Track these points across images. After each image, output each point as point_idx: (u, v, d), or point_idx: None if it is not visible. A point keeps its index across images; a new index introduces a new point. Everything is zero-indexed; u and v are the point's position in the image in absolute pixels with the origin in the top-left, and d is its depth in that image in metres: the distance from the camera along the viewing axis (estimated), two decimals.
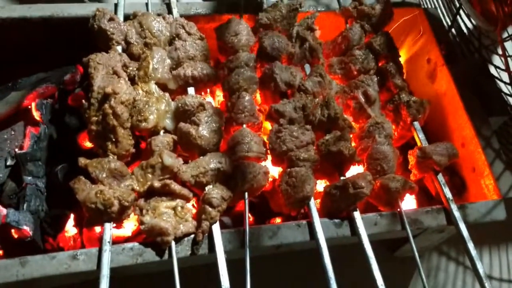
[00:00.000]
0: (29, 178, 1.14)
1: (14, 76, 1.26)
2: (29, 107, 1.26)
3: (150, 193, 1.00)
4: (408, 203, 1.28)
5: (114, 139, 1.01)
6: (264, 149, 1.11)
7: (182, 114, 1.08)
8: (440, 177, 1.14)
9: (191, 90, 1.14)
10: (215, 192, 1.00)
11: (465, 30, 1.49)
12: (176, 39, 1.19)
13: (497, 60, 1.42)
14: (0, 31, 1.22)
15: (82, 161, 1.00)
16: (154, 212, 0.97)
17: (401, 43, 1.50)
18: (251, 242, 0.99)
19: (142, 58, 1.13)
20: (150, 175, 1.00)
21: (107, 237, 0.93)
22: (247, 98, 1.14)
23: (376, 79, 1.26)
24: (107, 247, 0.92)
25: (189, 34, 1.21)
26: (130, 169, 1.03)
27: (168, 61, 1.15)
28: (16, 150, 1.20)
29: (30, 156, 1.16)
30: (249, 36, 1.25)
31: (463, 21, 1.48)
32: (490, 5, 1.23)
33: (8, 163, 1.22)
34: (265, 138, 1.15)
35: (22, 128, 1.26)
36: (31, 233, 1.05)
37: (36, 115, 1.25)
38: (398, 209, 1.09)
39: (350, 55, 1.28)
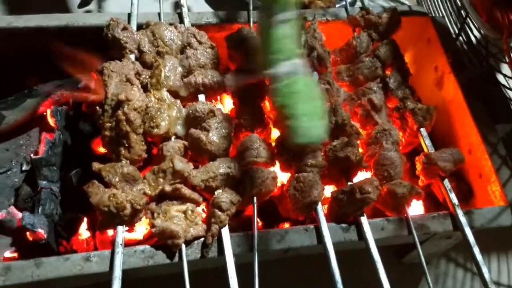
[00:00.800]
0: (44, 182, 1.17)
1: (30, 84, 1.29)
2: (44, 113, 1.29)
3: (161, 197, 1.02)
4: (416, 209, 1.30)
5: (127, 145, 1.04)
6: (273, 155, 1.13)
7: (193, 121, 1.11)
8: (446, 182, 1.16)
9: (201, 97, 1.17)
10: (224, 196, 1.02)
11: (472, 39, 1.51)
12: (188, 47, 1.22)
13: (505, 68, 1.43)
14: (16, 40, 1.26)
15: (96, 165, 1.02)
16: (165, 215, 0.99)
17: (409, 51, 1.52)
18: (259, 246, 1.01)
19: (154, 66, 1.16)
20: (161, 180, 1.03)
21: (119, 240, 0.96)
22: (256, 105, 1.16)
23: (381, 86, 1.27)
24: (119, 249, 0.95)
25: (200, 43, 1.24)
26: (142, 174, 1.06)
27: (180, 69, 1.18)
28: (32, 155, 1.23)
29: (45, 161, 1.19)
30: None
31: (470, 29, 1.50)
32: (496, 14, 1.25)
33: (24, 168, 1.25)
34: (273, 144, 1.17)
35: (38, 134, 1.29)
36: (45, 235, 1.08)
37: (51, 121, 1.28)
38: (405, 215, 1.11)
39: (358, 63, 1.30)
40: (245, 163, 1.09)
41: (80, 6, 1.77)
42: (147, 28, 1.23)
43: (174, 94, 1.15)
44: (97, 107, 1.08)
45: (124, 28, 1.20)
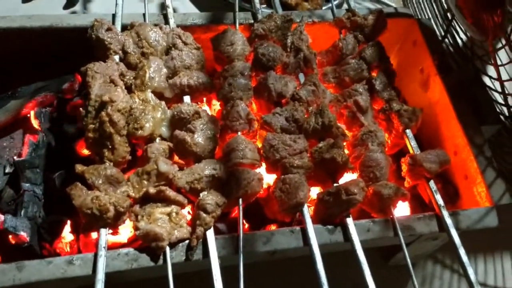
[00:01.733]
0: (27, 185, 1.16)
1: (13, 85, 1.28)
2: (28, 115, 1.28)
3: (145, 199, 1.01)
4: (402, 210, 1.30)
5: (110, 146, 1.03)
6: (259, 156, 1.12)
7: (178, 122, 1.10)
8: (432, 184, 1.16)
9: (186, 99, 1.16)
10: (209, 198, 1.01)
11: (458, 41, 1.51)
12: (173, 48, 1.21)
13: (490, 70, 1.43)
14: (0, 41, 1.25)
15: (79, 167, 1.01)
16: (149, 218, 0.98)
17: (395, 53, 1.53)
18: (245, 248, 1.00)
19: (139, 67, 1.16)
20: (145, 182, 1.02)
21: (102, 242, 0.95)
22: (241, 106, 1.16)
23: (367, 88, 1.28)
24: (102, 252, 0.94)
25: (185, 44, 1.23)
26: (126, 176, 1.05)
27: (165, 70, 1.17)
28: (15, 157, 1.21)
29: (28, 164, 1.18)
30: (244, 46, 1.27)
31: (456, 31, 1.50)
32: (481, 16, 1.26)
33: (7, 170, 1.23)
34: (260, 145, 1.16)
35: (21, 136, 1.28)
36: (28, 238, 1.07)
37: (35, 123, 1.27)
38: (391, 216, 1.11)
39: (344, 65, 1.30)
40: (231, 165, 1.09)
41: (66, 7, 1.76)
42: (132, 29, 1.22)
43: (159, 95, 1.14)
44: (81, 108, 1.07)
45: (108, 29, 1.19)
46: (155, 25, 1.25)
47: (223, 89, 1.20)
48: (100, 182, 0.99)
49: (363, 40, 1.35)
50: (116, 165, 1.04)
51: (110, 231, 0.99)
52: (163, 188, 1.00)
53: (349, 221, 1.07)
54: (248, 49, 1.27)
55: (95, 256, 0.94)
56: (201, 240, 1.00)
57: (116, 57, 1.18)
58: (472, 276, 1.04)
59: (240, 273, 0.95)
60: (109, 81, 1.09)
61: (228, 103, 1.18)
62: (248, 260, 1.11)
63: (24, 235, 1.07)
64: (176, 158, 1.11)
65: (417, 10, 1.67)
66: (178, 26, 1.29)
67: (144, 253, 0.97)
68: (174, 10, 1.33)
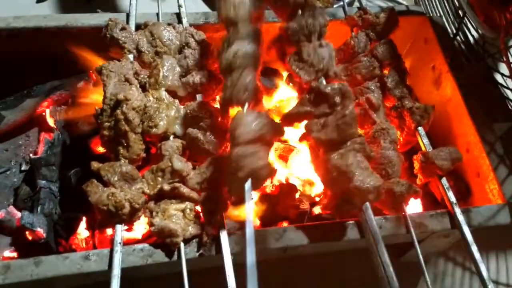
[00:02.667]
0: (43, 182, 1.18)
1: (28, 84, 1.30)
2: (44, 113, 1.30)
3: (160, 196, 1.02)
4: (414, 207, 1.30)
5: (125, 144, 1.04)
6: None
7: (191, 120, 1.11)
8: (444, 181, 1.16)
9: (199, 97, 1.18)
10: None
11: (470, 38, 1.51)
12: (186, 47, 1.22)
13: (502, 67, 1.43)
14: (16, 41, 1.27)
15: (95, 165, 1.03)
16: (164, 214, 1.00)
17: (407, 51, 1.53)
18: (257, 244, 1.01)
19: (152, 66, 1.17)
20: (160, 179, 1.03)
21: (118, 238, 0.96)
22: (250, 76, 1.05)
23: (379, 85, 1.28)
24: (118, 248, 0.95)
25: (198, 43, 1.24)
26: (141, 173, 1.06)
27: (178, 69, 1.19)
28: (31, 155, 1.23)
29: (44, 161, 1.20)
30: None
31: (467, 29, 1.50)
32: (493, 13, 1.26)
33: (23, 168, 1.26)
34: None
35: (37, 134, 1.30)
36: (44, 235, 1.09)
37: (50, 121, 1.29)
38: (403, 213, 1.11)
39: (355, 62, 1.31)
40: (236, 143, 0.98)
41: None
42: (146, 28, 1.23)
43: (173, 93, 1.15)
44: (96, 107, 1.08)
45: (123, 28, 1.20)
46: (169, 24, 1.26)
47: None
48: (116, 179, 1.01)
49: (375, 38, 1.35)
50: (131, 162, 1.05)
51: (126, 227, 1.00)
52: (177, 185, 1.01)
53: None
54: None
55: (111, 252, 0.95)
56: (214, 236, 1.01)
57: (131, 56, 1.19)
58: (485, 273, 1.04)
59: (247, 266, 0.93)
60: (124, 80, 1.10)
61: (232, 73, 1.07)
62: (261, 257, 1.12)
63: (40, 231, 1.09)
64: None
65: (428, 8, 1.67)
66: (191, 25, 1.30)
67: (159, 248, 0.98)
68: (187, 9, 1.34)
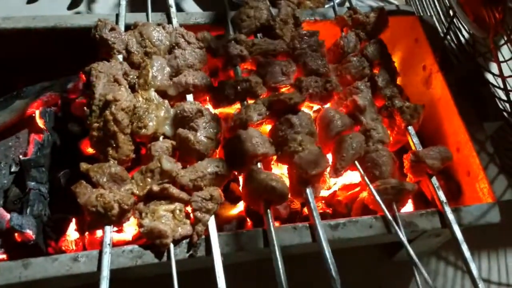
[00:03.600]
0: (33, 183, 1.17)
1: (18, 85, 1.29)
2: (33, 115, 1.29)
3: (149, 197, 1.02)
4: (405, 206, 1.30)
5: (114, 145, 1.04)
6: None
7: (181, 120, 1.11)
8: (434, 180, 1.16)
9: (189, 97, 1.17)
10: (200, 195, 1.03)
11: (460, 38, 1.52)
12: (176, 47, 1.22)
13: (493, 66, 1.44)
14: (5, 41, 1.26)
15: (84, 166, 1.02)
16: (153, 215, 0.99)
17: (397, 50, 1.53)
18: (248, 245, 1.01)
19: (142, 66, 1.17)
20: (149, 179, 1.03)
21: (107, 240, 0.96)
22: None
23: (369, 85, 1.28)
24: (107, 249, 0.95)
25: (188, 43, 1.24)
26: (131, 174, 1.06)
27: (168, 69, 1.18)
28: (20, 156, 1.22)
29: (33, 163, 1.19)
30: None
31: (458, 28, 1.50)
32: (483, 13, 1.26)
33: (13, 169, 1.25)
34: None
35: (26, 135, 1.29)
36: (34, 236, 1.08)
37: (40, 122, 1.28)
38: (393, 213, 1.11)
39: (345, 62, 1.31)
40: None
41: (70, 8, 1.77)
42: (135, 29, 1.23)
43: (162, 94, 1.15)
44: (85, 108, 1.08)
45: (112, 29, 1.20)
46: (158, 24, 1.26)
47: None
48: (105, 180, 1.01)
49: (365, 37, 1.36)
50: (120, 163, 1.05)
51: (115, 228, 1.00)
52: (167, 185, 1.01)
53: None
54: None
55: (100, 253, 0.95)
56: (203, 237, 1.01)
57: (120, 57, 1.19)
58: (475, 272, 1.04)
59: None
60: (113, 80, 1.10)
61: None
62: (252, 257, 1.12)
63: (30, 233, 1.08)
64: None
65: (419, 8, 1.67)
66: (181, 25, 1.30)
67: (149, 250, 0.98)
68: (177, 10, 1.34)
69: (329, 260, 0.98)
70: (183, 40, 1.24)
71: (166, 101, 1.14)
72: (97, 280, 0.92)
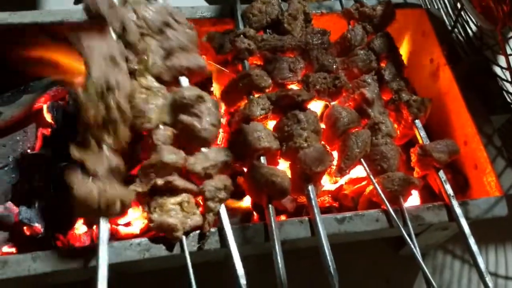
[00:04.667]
0: (41, 177, 1.17)
1: (25, 80, 1.30)
2: (41, 109, 1.30)
3: (155, 191, 1.00)
4: (412, 200, 1.30)
5: (112, 132, 0.98)
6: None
7: (180, 107, 1.05)
8: (441, 174, 1.16)
9: (184, 81, 1.11)
10: (211, 184, 1.01)
11: (468, 30, 1.51)
12: (167, 28, 1.13)
13: (500, 59, 1.43)
14: (12, 36, 1.26)
15: (76, 153, 0.95)
16: (162, 209, 0.98)
17: (404, 43, 1.52)
18: (254, 238, 1.02)
19: (141, 51, 1.08)
20: (152, 174, 1.00)
21: (104, 235, 0.93)
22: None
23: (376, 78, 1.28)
24: (104, 247, 0.91)
25: (178, 23, 1.15)
26: (134, 171, 1.04)
27: (162, 51, 1.11)
28: (28, 151, 1.23)
29: (41, 157, 1.20)
30: None
31: (465, 21, 1.49)
32: (490, 5, 1.25)
33: (21, 164, 1.26)
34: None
35: (34, 130, 1.30)
36: (42, 230, 1.09)
37: (48, 117, 1.28)
38: (400, 206, 1.11)
39: (352, 56, 1.30)
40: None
41: (76, 2, 1.77)
42: (127, 4, 1.12)
43: (156, 78, 1.09)
44: (79, 87, 0.98)
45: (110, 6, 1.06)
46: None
47: None
48: (104, 172, 0.95)
49: (372, 30, 1.35)
50: (116, 151, 0.98)
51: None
52: (171, 178, 0.99)
53: None
54: None
55: (98, 247, 0.92)
56: (215, 227, 1.01)
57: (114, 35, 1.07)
58: (482, 265, 1.04)
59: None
60: (110, 60, 1.01)
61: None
62: (259, 251, 1.13)
63: (38, 226, 1.09)
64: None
65: (426, 0, 1.66)
66: (187, 19, 1.28)
67: (157, 243, 0.98)
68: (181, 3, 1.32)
69: (328, 257, 0.98)
70: (171, 19, 1.14)
71: (164, 87, 1.08)
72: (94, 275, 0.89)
